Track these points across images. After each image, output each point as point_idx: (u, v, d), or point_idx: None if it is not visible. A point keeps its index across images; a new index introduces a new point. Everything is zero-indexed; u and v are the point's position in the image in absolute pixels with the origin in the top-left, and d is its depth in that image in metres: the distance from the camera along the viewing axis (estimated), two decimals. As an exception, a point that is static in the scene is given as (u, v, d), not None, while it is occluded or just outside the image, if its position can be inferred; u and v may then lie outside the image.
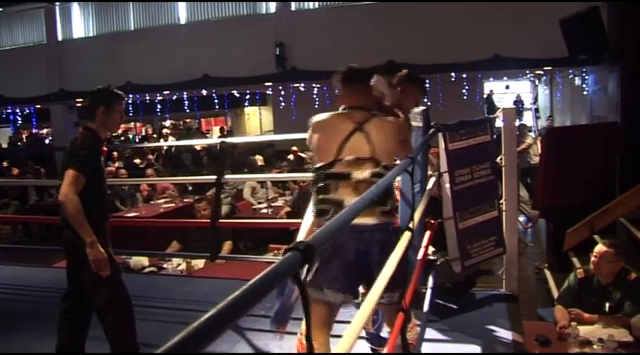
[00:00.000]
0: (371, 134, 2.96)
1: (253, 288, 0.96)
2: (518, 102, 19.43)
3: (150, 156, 15.40)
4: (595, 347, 3.94)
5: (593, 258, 4.64)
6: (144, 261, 6.41)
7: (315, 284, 2.87)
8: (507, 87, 19.86)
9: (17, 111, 20.27)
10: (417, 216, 3.01)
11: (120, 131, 22.31)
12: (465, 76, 15.10)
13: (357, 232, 2.82)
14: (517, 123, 13.38)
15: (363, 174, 2.88)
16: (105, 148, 3.91)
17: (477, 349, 3.86)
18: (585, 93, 14.15)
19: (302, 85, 15.95)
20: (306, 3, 16.58)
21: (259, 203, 10.12)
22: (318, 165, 3.02)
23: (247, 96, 16.72)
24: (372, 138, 2.95)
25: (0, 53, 19.87)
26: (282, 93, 16.23)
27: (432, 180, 4.21)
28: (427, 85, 14.88)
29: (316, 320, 2.83)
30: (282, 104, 16.27)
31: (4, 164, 14.90)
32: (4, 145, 21.27)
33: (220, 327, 0.87)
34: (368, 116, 3.02)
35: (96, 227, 3.56)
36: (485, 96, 17.67)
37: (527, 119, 18.53)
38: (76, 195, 3.45)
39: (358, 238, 2.85)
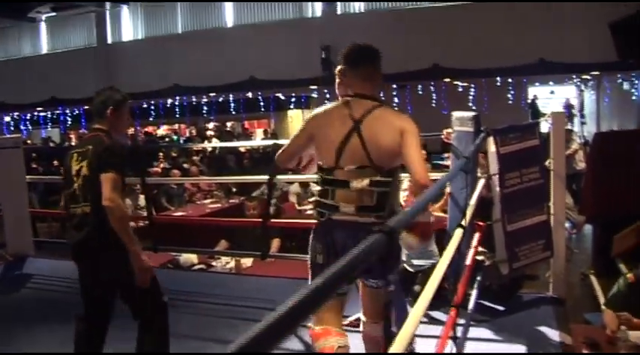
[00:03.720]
0: (366, 136, 2.74)
1: (346, 266, 1.06)
2: (568, 106, 19.15)
3: (194, 157, 15.64)
4: (645, 351, 3.94)
5: None
6: (193, 258, 6.56)
7: None
8: (552, 92, 19.63)
9: (67, 111, 20.80)
10: (468, 215, 3.08)
11: (164, 132, 22.72)
12: (510, 80, 15.03)
13: (345, 227, 2.80)
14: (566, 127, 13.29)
15: (361, 183, 2.74)
16: None
17: (524, 349, 3.91)
18: (634, 98, 13.95)
19: (347, 88, 16.06)
20: (352, 6, 16.72)
21: (304, 204, 10.24)
22: (319, 167, 2.92)
23: (293, 99, 16.89)
24: (366, 142, 2.74)
25: (53, 56, 20.48)
26: (328, 96, 16.35)
27: (482, 181, 4.26)
28: (473, 89, 14.96)
29: (331, 310, 2.84)
30: (328, 107, 16.40)
31: (55, 162, 15.27)
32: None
33: (320, 299, 0.97)
34: (370, 108, 2.80)
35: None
36: (529, 101, 17.52)
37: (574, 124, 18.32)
38: (121, 199, 3.31)
39: (346, 233, 2.78)
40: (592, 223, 8.69)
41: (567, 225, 9.55)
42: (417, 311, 1.79)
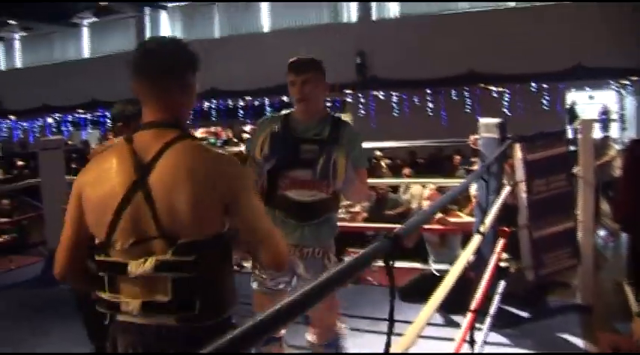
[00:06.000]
0: (156, 188, 1.74)
1: (348, 267, 1.13)
2: (605, 113, 18.86)
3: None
4: (670, 360, 3.92)
5: None
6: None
7: None
8: (591, 97, 19.34)
9: (107, 113, 21.21)
10: (487, 221, 3.12)
11: (202, 135, 23.03)
12: (545, 86, 14.88)
13: (130, 332, 1.83)
14: (600, 135, 13.15)
15: (142, 267, 1.74)
16: None
17: (544, 355, 3.93)
18: (674, 103, 13.72)
19: (381, 93, 16.09)
20: (387, 12, 16.76)
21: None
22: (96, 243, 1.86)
23: (328, 103, 16.97)
24: (155, 199, 1.74)
25: (94, 60, 20.94)
26: (362, 101, 16.39)
27: (507, 189, 4.29)
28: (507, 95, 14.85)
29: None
30: (362, 112, 16.42)
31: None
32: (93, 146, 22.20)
33: (318, 296, 1.04)
34: (168, 141, 1.78)
35: None
36: (567, 106, 17.30)
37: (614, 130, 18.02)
38: None
39: (131, 339, 1.83)
40: (625, 231, 8.59)
41: (603, 232, 9.47)
42: (425, 312, 1.85)
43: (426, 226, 5.05)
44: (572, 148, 4.94)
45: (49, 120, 22.40)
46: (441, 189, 5.62)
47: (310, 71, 2.93)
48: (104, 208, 1.77)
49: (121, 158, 1.79)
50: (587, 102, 19.06)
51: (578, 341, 4.15)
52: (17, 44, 23.49)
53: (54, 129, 22.00)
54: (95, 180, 1.82)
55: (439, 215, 5.23)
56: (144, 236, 1.75)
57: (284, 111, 3.05)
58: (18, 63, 23.53)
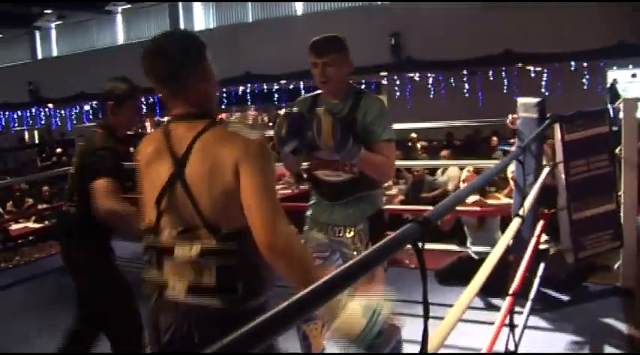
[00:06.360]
0: (192, 180, 1.83)
1: (375, 253, 1.09)
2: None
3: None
4: None
5: None
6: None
7: None
8: (634, 75, 18.84)
9: (142, 99, 21.45)
10: (527, 204, 3.04)
11: (237, 119, 23.16)
12: (585, 64, 14.55)
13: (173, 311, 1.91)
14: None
15: (189, 252, 1.84)
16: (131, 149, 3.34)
17: (586, 340, 3.84)
18: None
19: (417, 74, 15.91)
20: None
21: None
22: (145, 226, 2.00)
23: (362, 86, 16.82)
24: (192, 190, 1.83)
25: (128, 46, 21.13)
26: (398, 82, 16.23)
27: (546, 170, 4.20)
28: (545, 74, 14.54)
29: None
30: (398, 94, 16.28)
31: (131, 149, 15.81)
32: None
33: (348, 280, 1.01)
34: (196, 134, 1.85)
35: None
36: (608, 85, 16.90)
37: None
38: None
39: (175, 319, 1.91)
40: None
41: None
42: (465, 296, 1.80)
43: (464, 209, 4.99)
44: (614, 128, 4.80)
45: (86, 107, 22.72)
46: (478, 171, 5.52)
47: (332, 52, 2.88)
48: (150, 196, 1.91)
49: (160, 150, 1.89)
50: (630, 81, 18.58)
51: (621, 326, 4.05)
52: (53, 33, 23.84)
53: (91, 117, 22.31)
54: (150, 158, 1.94)
55: (477, 197, 5.15)
56: (189, 225, 1.84)
57: (315, 92, 3.09)
58: (54, 51, 23.89)
